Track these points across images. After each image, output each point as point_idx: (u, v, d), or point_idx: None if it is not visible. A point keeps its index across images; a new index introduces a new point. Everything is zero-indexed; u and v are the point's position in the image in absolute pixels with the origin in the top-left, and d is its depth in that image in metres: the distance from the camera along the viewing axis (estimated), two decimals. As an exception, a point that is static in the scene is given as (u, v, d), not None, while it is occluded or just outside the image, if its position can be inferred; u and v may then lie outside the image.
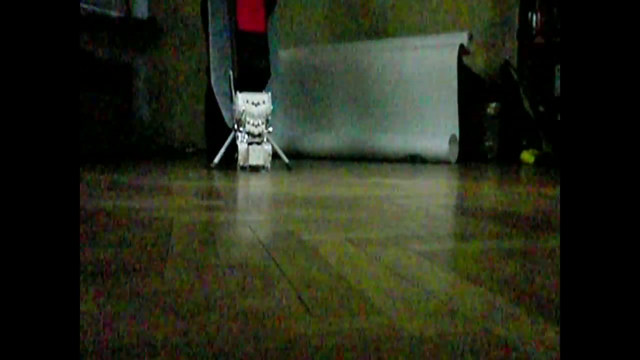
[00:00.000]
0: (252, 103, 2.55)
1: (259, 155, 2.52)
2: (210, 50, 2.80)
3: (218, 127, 2.89)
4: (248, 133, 2.53)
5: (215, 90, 2.77)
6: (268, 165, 2.56)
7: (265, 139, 2.57)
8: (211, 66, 2.78)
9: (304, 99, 4.43)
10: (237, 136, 2.64)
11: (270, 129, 2.60)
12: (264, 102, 2.57)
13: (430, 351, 0.41)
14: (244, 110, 2.53)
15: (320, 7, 4.88)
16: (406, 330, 0.46)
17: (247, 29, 2.63)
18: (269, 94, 2.62)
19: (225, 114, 2.79)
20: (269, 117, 2.58)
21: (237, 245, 0.81)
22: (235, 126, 2.63)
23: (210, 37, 2.79)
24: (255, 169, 2.54)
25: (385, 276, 0.63)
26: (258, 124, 2.54)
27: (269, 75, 2.70)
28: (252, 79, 2.64)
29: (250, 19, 2.64)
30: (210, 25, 2.78)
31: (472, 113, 4.19)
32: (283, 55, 4.38)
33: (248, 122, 2.54)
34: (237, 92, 2.56)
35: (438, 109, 3.91)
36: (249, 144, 2.53)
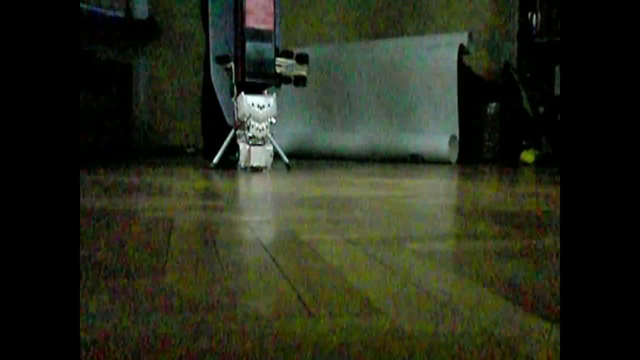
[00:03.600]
0: (258, 106, 2.53)
1: (260, 156, 2.52)
2: (211, 43, 2.76)
3: (215, 125, 2.87)
4: (252, 137, 2.52)
5: (215, 85, 2.74)
6: (269, 165, 2.56)
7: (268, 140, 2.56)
8: (211, 60, 2.75)
9: (310, 98, 4.42)
10: (239, 135, 2.63)
11: (274, 131, 2.59)
12: (269, 105, 2.55)
13: (431, 351, 0.41)
14: (250, 115, 2.51)
15: (325, 6, 4.88)
16: (406, 330, 0.46)
17: (254, 26, 2.58)
18: (274, 95, 2.60)
19: (225, 111, 2.77)
20: (274, 120, 2.57)
21: (237, 245, 0.81)
22: (237, 125, 2.62)
23: (211, 30, 2.75)
24: (256, 169, 2.54)
25: (385, 276, 0.63)
26: (263, 128, 2.53)
27: (272, 77, 2.65)
28: (256, 75, 2.60)
29: (259, 15, 2.58)
30: (210, 17, 2.74)
31: (472, 113, 4.19)
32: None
33: (252, 126, 2.52)
34: (242, 93, 2.54)
35: (438, 109, 3.91)
36: (251, 144, 2.52)
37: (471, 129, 4.12)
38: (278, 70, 2.69)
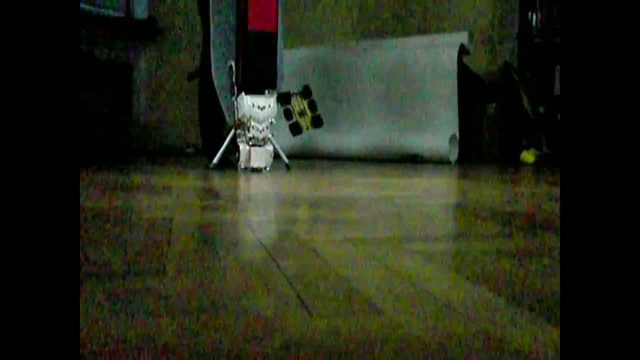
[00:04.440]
0: (258, 107, 2.52)
1: (260, 157, 2.51)
2: (212, 40, 2.72)
3: (213, 124, 2.86)
4: (252, 137, 2.51)
5: (215, 83, 2.72)
6: (269, 166, 2.56)
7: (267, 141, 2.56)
8: (212, 57, 2.71)
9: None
10: (239, 135, 2.62)
11: (274, 132, 2.59)
12: (269, 106, 2.54)
13: (430, 351, 0.41)
14: (250, 115, 2.50)
15: (326, 6, 4.87)
16: (406, 330, 0.46)
17: (257, 28, 2.52)
18: (274, 96, 2.59)
19: (226, 110, 2.75)
20: (274, 121, 2.56)
21: (237, 245, 0.81)
22: (237, 124, 2.61)
23: (212, 27, 2.71)
24: (256, 170, 2.54)
25: (385, 276, 0.63)
26: (263, 129, 2.52)
27: (274, 79, 2.62)
28: (258, 82, 2.58)
29: (262, 16, 2.52)
30: (212, 13, 2.71)
31: (472, 113, 4.19)
32: (291, 54, 4.34)
33: (253, 127, 2.51)
34: (243, 94, 2.53)
35: (438, 109, 3.90)
36: (251, 145, 2.52)
37: (471, 129, 4.12)
38: (294, 105, 2.69)
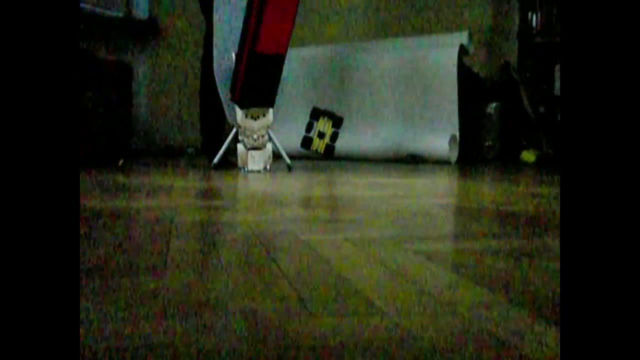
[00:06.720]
0: (252, 117, 2.50)
1: (258, 160, 2.51)
2: (215, 36, 2.68)
3: (214, 122, 2.86)
4: (249, 142, 2.52)
5: (217, 79, 2.70)
6: (268, 166, 2.56)
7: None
8: (214, 53, 2.69)
9: (311, 98, 4.39)
10: (239, 133, 2.62)
11: (270, 133, 2.58)
12: (264, 115, 2.52)
13: (430, 351, 0.41)
14: (244, 126, 2.49)
15: (327, 8, 4.88)
16: (406, 330, 0.46)
17: (267, 51, 2.40)
18: (271, 109, 2.57)
19: (226, 107, 2.74)
20: (270, 126, 2.55)
21: (237, 245, 0.81)
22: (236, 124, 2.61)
23: (215, 23, 2.68)
24: (254, 171, 2.53)
25: (385, 276, 0.63)
26: (258, 138, 2.51)
27: (274, 99, 2.58)
28: (256, 101, 2.53)
29: (274, 40, 2.39)
30: (215, 9, 2.67)
31: (472, 113, 4.19)
32: (299, 53, 4.33)
33: (247, 136, 2.50)
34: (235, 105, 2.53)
35: (438, 109, 3.90)
36: (249, 148, 2.51)
37: (471, 129, 4.12)
38: (319, 124, 2.71)
